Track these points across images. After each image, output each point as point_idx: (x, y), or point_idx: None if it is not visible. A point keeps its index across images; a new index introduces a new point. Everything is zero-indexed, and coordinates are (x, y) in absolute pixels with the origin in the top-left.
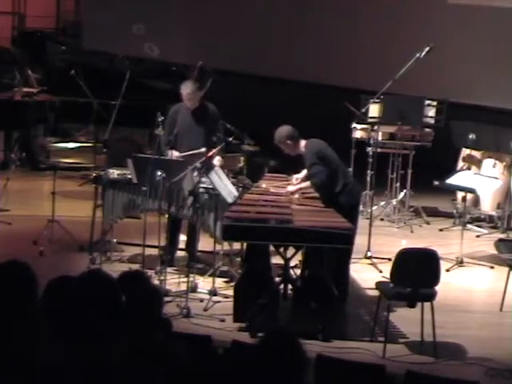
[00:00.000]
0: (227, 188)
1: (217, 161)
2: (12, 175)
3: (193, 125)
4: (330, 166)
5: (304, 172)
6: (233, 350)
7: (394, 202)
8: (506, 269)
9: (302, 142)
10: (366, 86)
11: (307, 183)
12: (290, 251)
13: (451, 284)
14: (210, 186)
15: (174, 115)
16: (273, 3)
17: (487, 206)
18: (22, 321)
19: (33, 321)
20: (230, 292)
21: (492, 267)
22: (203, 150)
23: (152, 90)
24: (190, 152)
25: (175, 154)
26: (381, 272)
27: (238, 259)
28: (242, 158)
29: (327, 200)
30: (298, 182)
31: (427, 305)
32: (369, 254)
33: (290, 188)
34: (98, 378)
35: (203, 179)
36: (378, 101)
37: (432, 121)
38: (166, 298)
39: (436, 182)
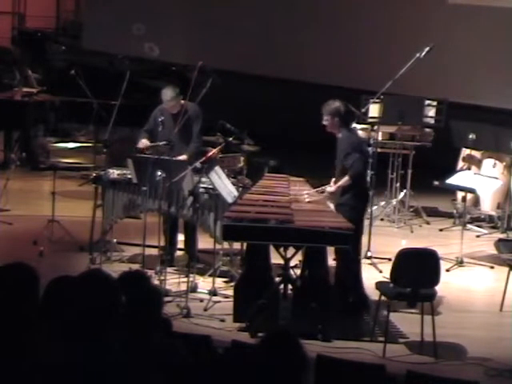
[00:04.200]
0: (227, 188)
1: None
2: (12, 175)
3: (174, 128)
4: (364, 158)
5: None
6: (233, 350)
7: (394, 202)
8: (506, 269)
9: (344, 129)
10: (366, 85)
11: (345, 179)
12: (290, 251)
13: (451, 284)
14: (210, 186)
15: (156, 116)
16: (273, 3)
17: (487, 206)
18: (22, 321)
19: (33, 321)
20: (230, 292)
21: (492, 267)
22: (162, 143)
23: (152, 90)
24: (155, 144)
25: (145, 142)
26: (381, 272)
27: (238, 259)
28: (242, 158)
29: (362, 193)
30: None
31: (427, 305)
32: (369, 253)
33: (330, 189)
34: (98, 378)
35: (203, 179)
36: (378, 101)
37: (432, 121)
38: (166, 298)
39: (436, 182)
